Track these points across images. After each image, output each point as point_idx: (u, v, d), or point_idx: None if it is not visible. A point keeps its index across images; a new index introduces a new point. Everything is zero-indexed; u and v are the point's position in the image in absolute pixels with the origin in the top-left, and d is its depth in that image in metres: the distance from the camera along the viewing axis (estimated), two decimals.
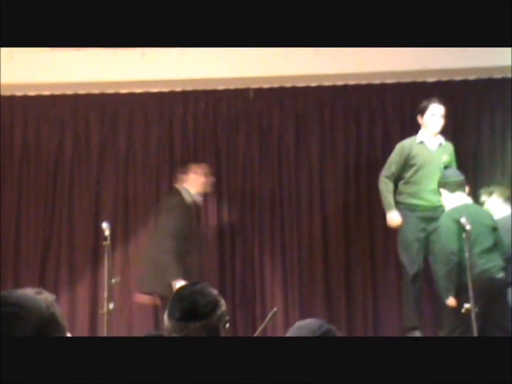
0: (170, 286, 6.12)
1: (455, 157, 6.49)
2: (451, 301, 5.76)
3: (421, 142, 6.40)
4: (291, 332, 2.76)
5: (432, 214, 6.28)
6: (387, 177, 6.40)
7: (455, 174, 6.23)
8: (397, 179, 6.40)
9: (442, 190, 6.16)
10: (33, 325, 1.99)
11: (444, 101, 6.52)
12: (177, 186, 6.72)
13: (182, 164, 7.33)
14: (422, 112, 6.38)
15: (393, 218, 6.32)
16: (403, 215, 6.30)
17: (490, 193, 6.46)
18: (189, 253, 6.46)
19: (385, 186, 6.39)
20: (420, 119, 6.41)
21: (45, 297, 2.12)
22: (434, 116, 6.33)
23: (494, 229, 5.95)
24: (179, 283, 6.01)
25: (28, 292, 2.07)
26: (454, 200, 6.06)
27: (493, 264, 5.80)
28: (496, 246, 5.91)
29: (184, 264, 6.34)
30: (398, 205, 6.34)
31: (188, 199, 6.61)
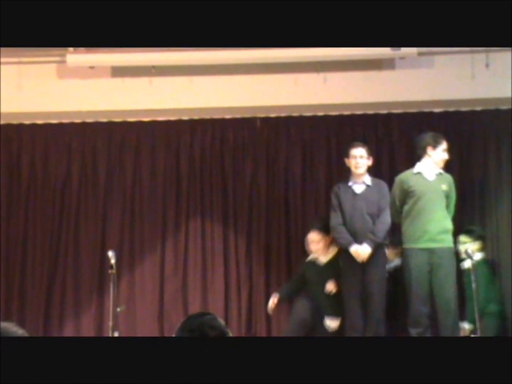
0: None
1: (455, 188, 6.48)
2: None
3: (418, 173, 6.43)
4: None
5: (437, 246, 6.27)
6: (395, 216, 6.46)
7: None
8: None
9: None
10: None
11: (450, 132, 6.58)
12: None
13: (188, 192, 7.36)
14: (435, 146, 6.41)
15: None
16: (410, 255, 6.35)
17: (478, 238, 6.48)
18: None
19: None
20: (430, 151, 6.42)
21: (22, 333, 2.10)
22: (444, 152, 6.41)
23: None
24: None
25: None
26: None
27: None
28: None
29: None
30: (407, 250, 6.36)
31: None
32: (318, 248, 6.58)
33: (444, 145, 6.44)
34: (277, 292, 6.70)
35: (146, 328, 7.10)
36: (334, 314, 6.46)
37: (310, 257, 6.64)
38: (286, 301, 6.81)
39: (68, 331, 7.17)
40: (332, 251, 6.58)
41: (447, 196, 6.39)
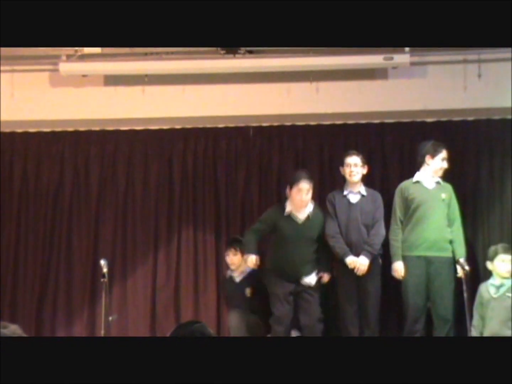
0: None
1: (456, 197, 6.51)
2: None
3: (417, 182, 6.48)
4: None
5: (435, 254, 6.29)
6: (396, 225, 6.47)
7: None
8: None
9: None
10: None
11: (442, 141, 6.61)
12: None
13: (181, 201, 7.35)
14: (434, 154, 6.46)
15: (397, 269, 6.39)
16: (408, 263, 6.36)
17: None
18: None
19: (393, 235, 6.48)
20: (428, 160, 6.47)
21: (13, 330, 2.10)
22: (443, 161, 6.44)
23: None
24: None
25: None
26: None
27: None
28: None
29: None
30: (405, 257, 6.37)
31: None
32: (307, 199, 6.49)
33: (443, 154, 6.49)
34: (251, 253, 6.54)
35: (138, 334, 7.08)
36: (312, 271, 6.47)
37: (287, 211, 6.56)
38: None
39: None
40: (309, 208, 6.55)
41: (448, 205, 6.42)
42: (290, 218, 6.54)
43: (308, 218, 6.53)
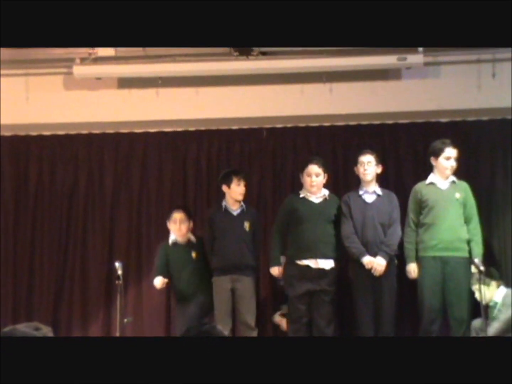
0: None
1: (472, 195, 6.48)
2: None
3: (431, 183, 6.45)
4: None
5: (450, 254, 6.27)
6: (409, 227, 6.45)
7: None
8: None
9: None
10: None
11: (457, 142, 6.57)
12: None
13: (195, 203, 7.36)
14: (437, 154, 6.43)
15: (411, 271, 6.38)
16: (424, 264, 6.34)
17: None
18: None
19: (407, 238, 6.46)
20: (433, 161, 6.46)
21: (44, 332, 2.11)
22: (448, 160, 6.39)
23: None
24: None
25: (28, 330, 2.06)
26: None
27: None
28: None
29: None
30: (421, 258, 6.37)
31: None
32: (318, 182, 6.54)
33: (446, 153, 6.41)
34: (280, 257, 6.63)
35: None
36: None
37: (302, 195, 6.62)
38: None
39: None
40: (325, 191, 6.61)
41: (464, 204, 6.39)
42: (305, 199, 6.60)
43: (325, 199, 6.58)
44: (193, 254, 6.77)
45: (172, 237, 6.82)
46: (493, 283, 6.21)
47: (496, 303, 6.18)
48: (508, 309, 6.09)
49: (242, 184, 6.72)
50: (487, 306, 5.88)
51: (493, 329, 6.01)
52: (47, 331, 2.14)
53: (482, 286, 5.64)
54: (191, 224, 6.84)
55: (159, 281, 6.59)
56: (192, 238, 6.84)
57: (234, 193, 6.70)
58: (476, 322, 6.13)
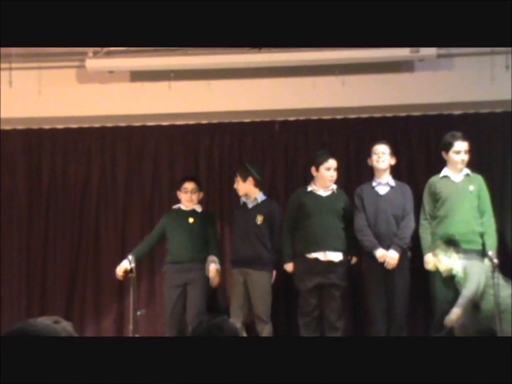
0: None
1: (487, 188, 6.46)
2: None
3: (445, 176, 6.44)
4: None
5: (463, 247, 6.25)
6: (425, 219, 6.45)
7: None
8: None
9: None
10: None
11: (470, 134, 6.55)
12: None
13: (207, 196, 7.37)
14: (447, 149, 6.42)
15: (429, 261, 6.35)
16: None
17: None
18: None
19: (423, 229, 6.46)
20: (444, 155, 6.46)
21: (64, 326, 2.12)
22: (458, 154, 6.38)
23: None
24: None
25: (48, 323, 2.07)
26: None
27: None
28: None
29: None
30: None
31: None
32: (335, 176, 6.59)
33: (455, 147, 6.40)
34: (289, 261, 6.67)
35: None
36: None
37: (310, 188, 6.67)
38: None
39: (89, 335, 7.19)
40: (334, 186, 6.64)
41: (478, 197, 6.37)
42: (312, 193, 6.63)
43: (333, 193, 6.62)
44: (190, 220, 6.83)
45: (177, 205, 6.92)
46: (454, 254, 6.14)
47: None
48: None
49: (239, 181, 6.78)
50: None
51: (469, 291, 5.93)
52: (66, 324, 2.14)
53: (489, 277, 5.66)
54: (201, 195, 6.95)
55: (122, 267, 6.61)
56: (198, 209, 6.89)
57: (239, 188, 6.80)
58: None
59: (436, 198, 6.42)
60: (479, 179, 6.48)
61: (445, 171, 6.49)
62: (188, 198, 6.83)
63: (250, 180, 6.74)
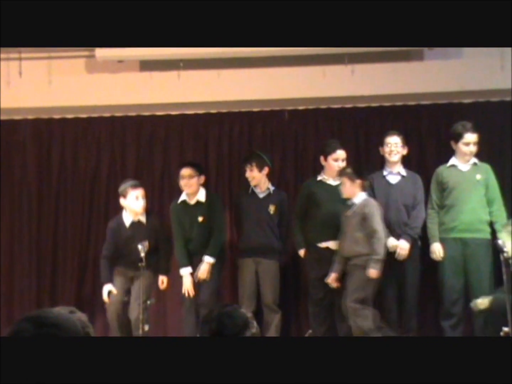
0: None
1: (495, 177, 6.44)
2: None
3: (452, 165, 6.44)
4: None
5: (471, 236, 6.25)
6: (432, 208, 6.45)
7: None
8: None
9: None
10: None
11: (480, 122, 6.53)
12: None
13: (217, 185, 7.38)
14: (457, 139, 6.41)
15: (435, 251, 6.32)
16: (445, 246, 6.32)
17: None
18: None
19: (430, 219, 6.45)
20: (453, 145, 6.45)
21: (79, 316, 2.13)
22: (467, 146, 6.37)
23: None
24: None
25: (63, 312, 2.09)
26: None
27: None
28: None
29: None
30: (441, 240, 6.33)
31: None
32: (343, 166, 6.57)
33: (465, 139, 6.39)
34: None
35: (176, 320, 7.12)
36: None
37: (320, 178, 6.69)
38: None
39: (99, 324, 7.20)
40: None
41: (486, 186, 6.36)
42: (322, 182, 6.64)
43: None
44: (200, 219, 6.67)
45: (182, 197, 6.76)
46: None
47: None
48: None
49: (254, 169, 6.72)
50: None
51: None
52: (81, 315, 2.16)
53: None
54: (202, 179, 6.73)
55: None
56: (202, 198, 6.73)
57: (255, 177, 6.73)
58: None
59: (443, 188, 6.41)
60: (486, 168, 6.46)
61: (452, 160, 6.48)
62: (186, 184, 6.64)
63: (265, 170, 6.74)
